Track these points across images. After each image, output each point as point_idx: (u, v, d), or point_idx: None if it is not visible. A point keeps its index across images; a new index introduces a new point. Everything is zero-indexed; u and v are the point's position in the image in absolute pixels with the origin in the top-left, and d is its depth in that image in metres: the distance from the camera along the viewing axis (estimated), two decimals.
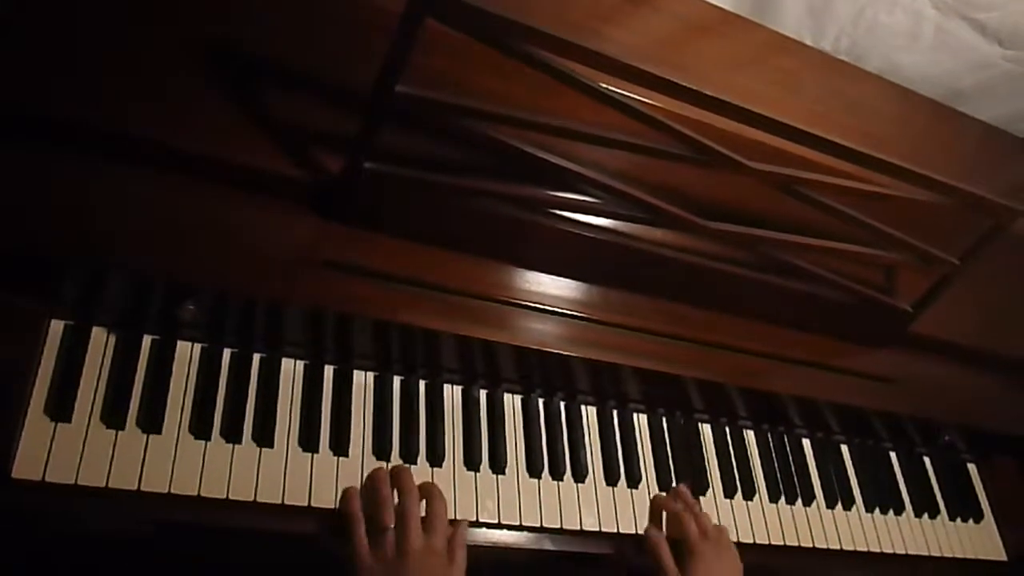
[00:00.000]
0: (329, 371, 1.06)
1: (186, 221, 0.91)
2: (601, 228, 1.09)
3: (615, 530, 1.13)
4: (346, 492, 0.98)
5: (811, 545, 1.27)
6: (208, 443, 0.95)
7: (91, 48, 0.89)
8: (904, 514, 1.40)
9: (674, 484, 1.21)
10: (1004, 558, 1.46)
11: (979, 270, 1.19)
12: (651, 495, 1.18)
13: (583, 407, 1.21)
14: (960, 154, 1.51)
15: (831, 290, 1.20)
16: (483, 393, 1.15)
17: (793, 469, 1.33)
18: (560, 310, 1.09)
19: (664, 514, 1.17)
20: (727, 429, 1.31)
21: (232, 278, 0.92)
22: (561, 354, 1.08)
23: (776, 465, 1.32)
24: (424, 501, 0.99)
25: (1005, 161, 1.58)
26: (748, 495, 1.26)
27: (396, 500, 0.98)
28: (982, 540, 1.46)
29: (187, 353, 0.99)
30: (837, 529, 1.31)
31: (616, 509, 1.14)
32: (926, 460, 1.50)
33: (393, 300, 0.99)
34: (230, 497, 0.93)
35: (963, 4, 1.50)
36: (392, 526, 0.95)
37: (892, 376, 1.32)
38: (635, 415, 1.24)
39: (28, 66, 0.86)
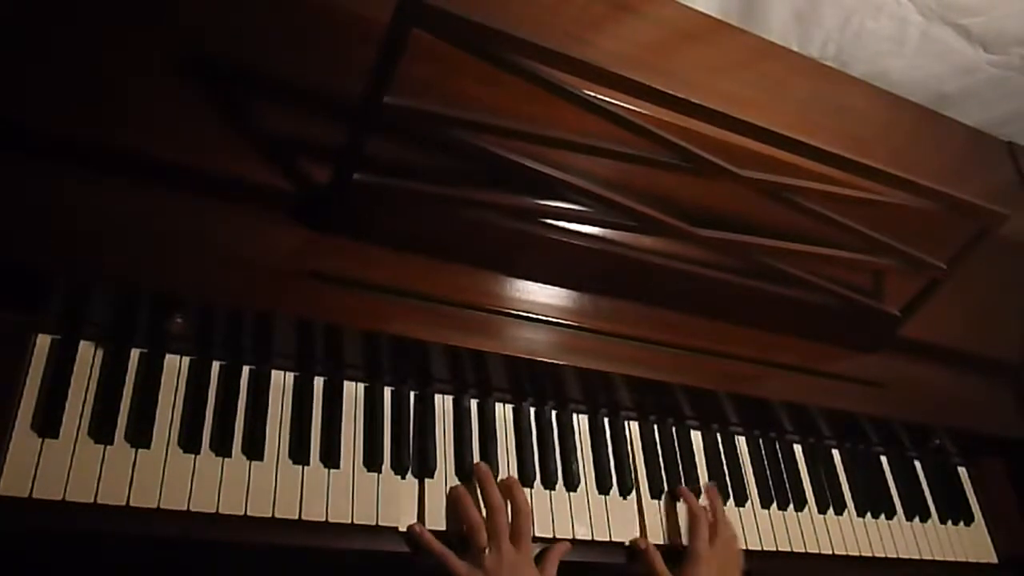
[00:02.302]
0: (319, 383, 1.06)
1: (174, 233, 0.90)
2: (590, 236, 1.09)
3: (607, 539, 1.12)
4: (421, 534, 1.00)
5: (803, 550, 1.28)
6: (197, 457, 0.94)
7: (75, 60, 0.88)
8: (895, 518, 1.40)
9: (666, 491, 1.21)
10: (995, 560, 1.46)
11: (966, 273, 1.20)
12: (643, 503, 1.18)
13: (574, 416, 1.20)
14: (946, 158, 1.51)
15: (820, 295, 1.20)
16: (474, 403, 1.14)
17: (784, 474, 1.33)
18: (550, 319, 1.08)
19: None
20: (718, 435, 1.31)
21: (221, 290, 0.92)
22: (551, 363, 1.08)
23: (767, 471, 1.32)
24: (509, 510, 1.05)
25: (990, 164, 1.59)
26: (740, 501, 1.26)
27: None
28: (973, 543, 1.46)
29: (176, 366, 0.99)
30: (829, 534, 1.32)
31: (608, 518, 1.14)
32: (916, 464, 1.50)
33: (383, 311, 0.99)
34: (220, 511, 0.92)
35: (948, 10, 1.51)
36: (486, 547, 1.00)
37: (882, 380, 1.32)
38: (626, 423, 1.24)
39: (10, 78, 0.85)
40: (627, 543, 1.14)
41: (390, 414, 1.08)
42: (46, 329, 0.93)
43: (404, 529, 1.01)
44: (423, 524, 1.02)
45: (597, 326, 1.11)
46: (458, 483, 1.07)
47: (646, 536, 1.15)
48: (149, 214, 0.89)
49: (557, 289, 1.11)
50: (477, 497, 1.06)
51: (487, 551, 1.00)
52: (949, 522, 1.45)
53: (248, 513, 0.94)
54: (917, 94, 1.57)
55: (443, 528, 1.03)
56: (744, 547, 1.22)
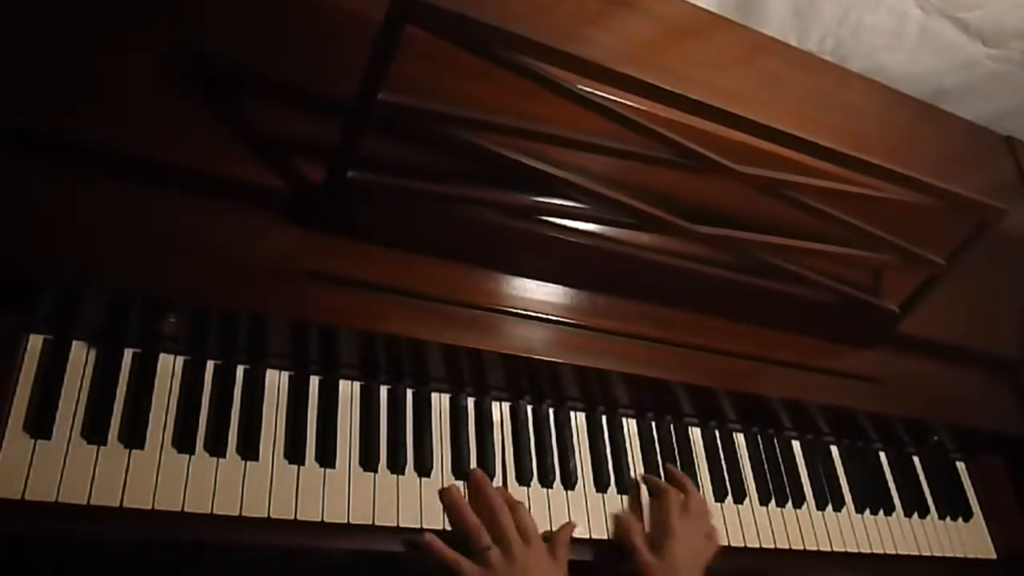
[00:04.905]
0: (314, 382, 1.05)
1: (167, 233, 0.90)
2: (587, 233, 1.08)
3: (606, 537, 1.12)
4: (431, 542, 0.99)
5: (802, 547, 1.27)
6: (192, 457, 0.93)
7: (65, 60, 0.87)
8: (894, 514, 1.40)
9: None
10: (994, 556, 1.46)
11: (965, 268, 1.19)
12: (641, 501, 1.17)
13: (572, 414, 1.20)
14: (945, 152, 1.51)
15: (818, 292, 1.20)
16: (471, 401, 1.14)
17: (783, 471, 1.33)
18: (547, 316, 1.08)
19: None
20: (716, 432, 1.30)
21: (214, 290, 0.91)
22: (549, 360, 1.07)
23: (766, 467, 1.31)
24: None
25: (989, 159, 1.59)
26: (738, 498, 1.25)
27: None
28: (972, 539, 1.45)
29: (169, 366, 0.98)
30: (828, 530, 1.31)
31: (606, 516, 1.13)
32: (915, 460, 1.49)
33: (378, 309, 0.98)
34: (215, 512, 0.91)
35: (947, 3, 1.50)
36: (491, 545, 0.99)
37: (880, 376, 1.32)
38: (624, 420, 1.23)
39: (8, 77, 0.84)
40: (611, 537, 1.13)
41: (386, 413, 1.07)
42: (38, 329, 0.92)
43: (401, 526, 1.00)
44: (421, 524, 1.01)
45: (595, 323, 1.11)
46: (455, 481, 1.06)
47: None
48: (143, 213, 0.89)
49: (554, 286, 1.10)
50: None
51: (493, 551, 0.98)
52: (948, 518, 1.45)
53: (243, 513, 0.93)
54: (916, 88, 1.56)
55: (440, 527, 1.02)
56: (742, 544, 1.21)
